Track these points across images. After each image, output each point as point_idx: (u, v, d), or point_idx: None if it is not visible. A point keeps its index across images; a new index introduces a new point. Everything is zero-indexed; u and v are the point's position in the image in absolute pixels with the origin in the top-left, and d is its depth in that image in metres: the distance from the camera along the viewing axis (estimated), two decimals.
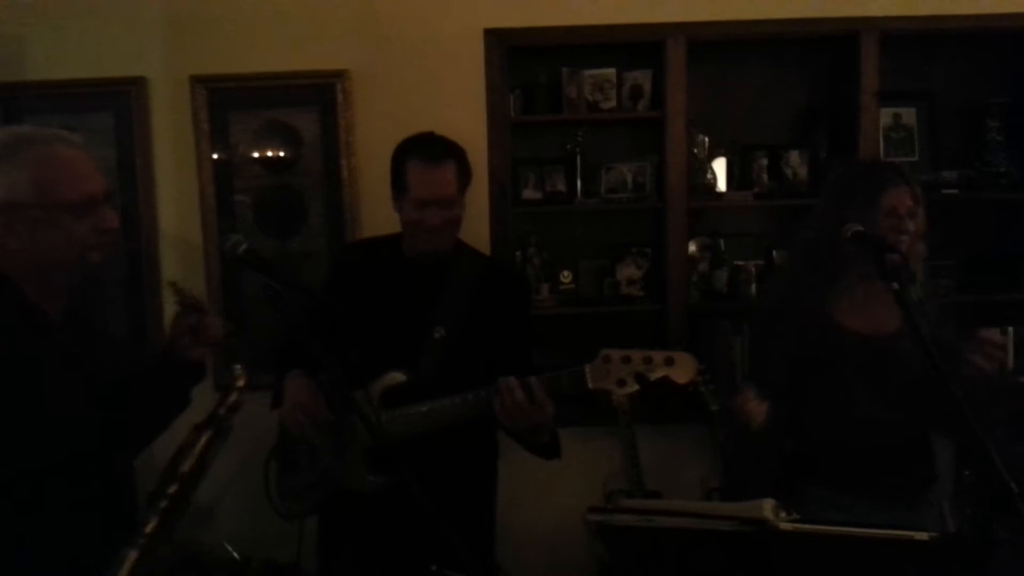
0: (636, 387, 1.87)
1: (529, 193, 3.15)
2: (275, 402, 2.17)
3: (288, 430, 2.09)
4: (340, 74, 2.97)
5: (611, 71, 3.09)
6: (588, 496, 3.02)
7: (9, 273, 1.47)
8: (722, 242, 3.21)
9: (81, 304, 1.63)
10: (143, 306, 3.03)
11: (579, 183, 3.15)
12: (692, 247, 3.15)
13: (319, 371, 2.01)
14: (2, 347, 1.45)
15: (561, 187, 3.15)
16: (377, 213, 2.86)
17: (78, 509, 1.50)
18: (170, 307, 2.90)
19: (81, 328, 1.60)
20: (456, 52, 2.98)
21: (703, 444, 2.97)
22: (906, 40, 3.05)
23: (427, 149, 2.12)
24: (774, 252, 3.17)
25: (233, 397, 1.57)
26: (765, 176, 3.13)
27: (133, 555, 1.41)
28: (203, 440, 1.53)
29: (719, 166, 3.17)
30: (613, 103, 3.10)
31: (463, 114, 2.97)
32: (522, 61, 3.07)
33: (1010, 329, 3.02)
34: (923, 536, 1.35)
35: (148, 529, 1.43)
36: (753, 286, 3.10)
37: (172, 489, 1.47)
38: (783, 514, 1.43)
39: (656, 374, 1.85)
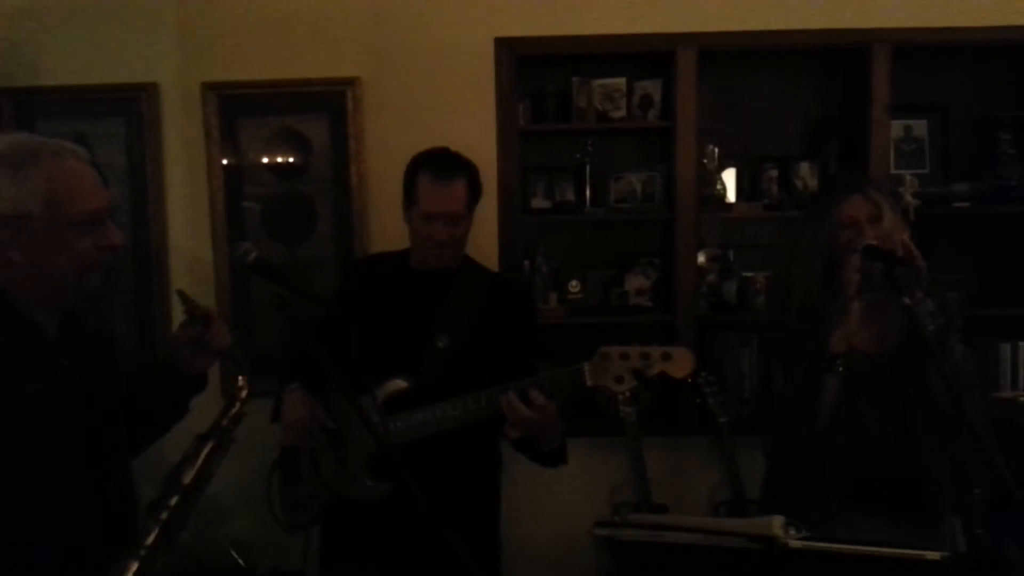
0: (634, 383, 1.87)
1: (538, 202, 3.14)
2: (274, 416, 2.18)
3: (289, 440, 2.09)
4: (351, 82, 2.98)
5: (621, 80, 3.09)
6: (594, 508, 3.00)
7: (5, 285, 1.44)
8: (731, 253, 3.20)
9: (79, 316, 1.59)
10: (152, 313, 3.03)
11: (588, 192, 3.14)
12: (701, 258, 3.14)
13: (324, 379, 2.01)
14: None
15: (570, 196, 3.15)
16: (386, 221, 2.87)
17: (76, 520, 1.48)
18: (179, 314, 2.94)
19: (77, 341, 1.56)
20: (467, 61, 2.99)
21: (711, 457, 2.96)
22: (918, 52, 3.03)
23: (439, 164, 2.13)
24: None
25: (236, 408, 1.56)
26: (775, 187, 3.11)
27: (133, 566, 1.39)
28: (205, 451, 1.52)
29: (729, 177, 3.16)
30: (623, 112, 3.09)
31: (473, 122, 2.98)
32: (532, 70, 3.07)
33: (1021, 344, 3.02)
34: (935, 555, 1.33)
35: (148, 540, 1.42)
36: (762, 298, 3.09)
37: (173, 500, 1.46)
38: (792, 531, 1.41)
39: (654, 370, 1.86)
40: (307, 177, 3.05)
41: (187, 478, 1.48)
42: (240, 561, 2.82)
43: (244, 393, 1.57)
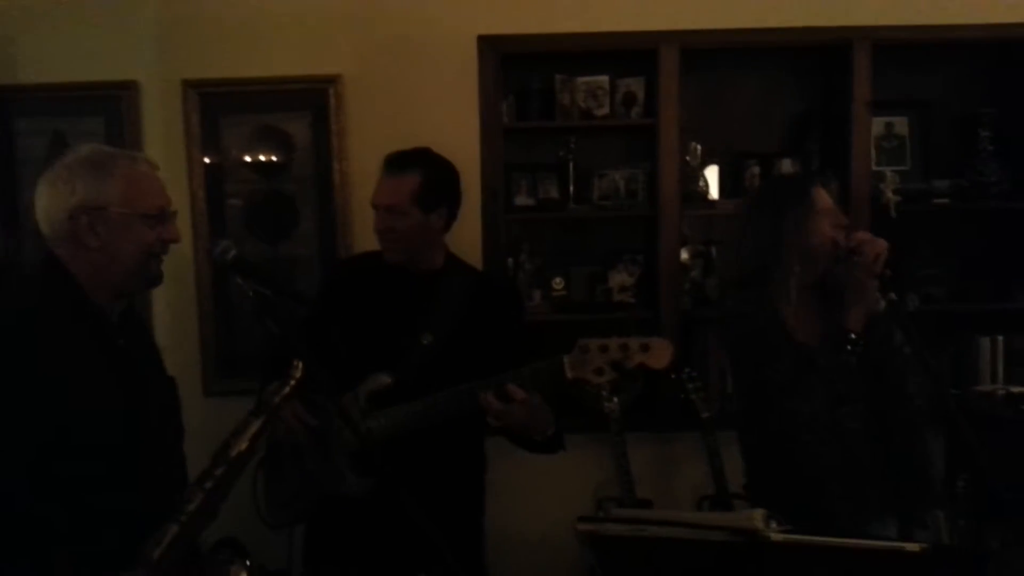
0: (614, 375, 1.87)
1: (522, 199, 3.14)
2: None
3: (273, 437, 2.08)
4: (333, 79, 2.96)
5: (604, 78, 3.09)
6: (578, 504, 3.01)
7: (77, 272, 1.61)
8: (714, 250, 3.21)
9: (133, 307, 1.79)
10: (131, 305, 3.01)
11: (572, 190, 3.14)
12: (684, 254, 3.14)
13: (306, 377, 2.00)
14: (53, 337, 1.55)
15: (554, 194, 3.15)
16: (368, 219, 2.80)
17: (130, 488, 1.58)
18: (161, 311, 2.92)
19: (131, 326, 1.74)
20: (450, 58, 2.98)
21: (694, 452, 2.96)
22: (898, 50, 3.05)
23: (393, 158, 2.17)
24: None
25: (287, 389, 1.62)
26: (757, 184, 3.12)
27: (174, 529, 1.48)
28: (254, 427, 1.59)
29: (711, 174, 3.17)
30: (606, 110, 3.10)
31: (456, 120, 2.97)
32: (515, 68, 3.07)
33: (1000, 339, 3.05)
34: (915, 547, 1.34)
35: (191, 507, 1.50)
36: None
37: (219, 471, 1.54)
38: (774, 524, 1.42)
39: (633, 361, 1.86)
40: (289, 175, 3.03)
41: (234, 451, 1.56)
42: None
43: (298, 374, 1.62)
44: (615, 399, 2.86)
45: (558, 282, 3.17)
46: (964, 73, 3.22)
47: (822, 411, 2.03)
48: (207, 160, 3.00)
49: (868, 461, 2.05)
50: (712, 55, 3.09)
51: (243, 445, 1.57)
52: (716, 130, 3.18)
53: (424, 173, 2.13)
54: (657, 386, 3.00)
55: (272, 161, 3.03)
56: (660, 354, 1.85)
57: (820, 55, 3.15)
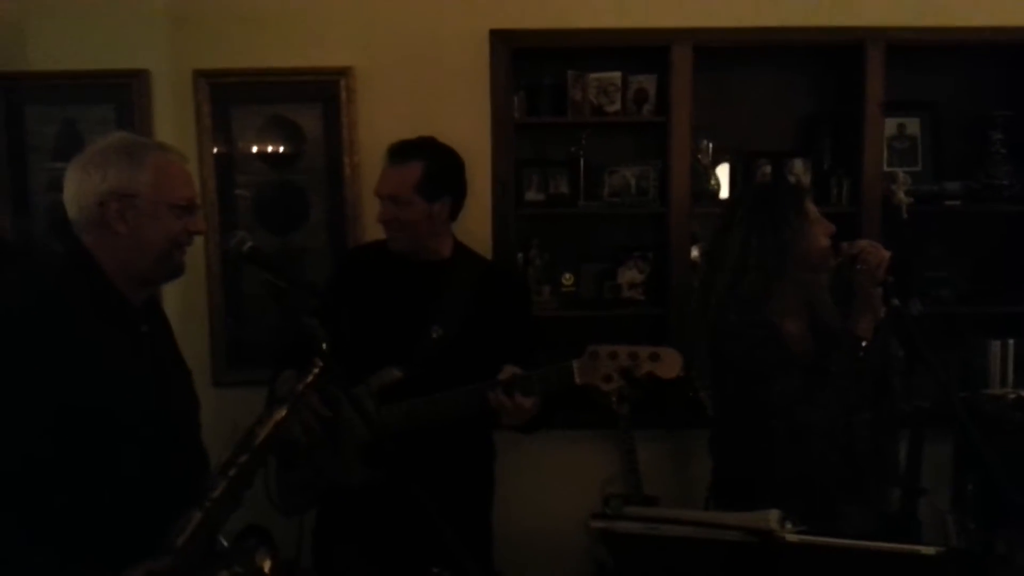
0: (622, 383, 1.88)
1: (532, 195, 3.13)
2: (269, 406, 2.16)
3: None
4: (344, 71, 2.96)
5: (616, 75, 3.08)
6: (585, 499, 3.01)
7: (101, 258, 1.62)
8: (709, 256, 3.20)
9: (156, 297, 1.83)
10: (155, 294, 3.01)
11: (582, 186, 3.13)
12: (694, 252, 3.14)
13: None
14: (75, 317, 1.57)
15: (564, 189, 3.14)
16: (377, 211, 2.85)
17: (151, 472, 1.59)
18: (169, 294, 2.92)
19: (153, 314, 1.76)
20: (462, 52, 2.97)
21: (701, 449, 2.95)
22: (911, 51, 3.04)
23: (397, 147, 2.19)
24: None
25: (311, 377, 1.63)
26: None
27: (198, 516, 1.50)
28: (279, 415, 1.60)
29: (723, 172, 3.16)
30: (618, 107, 3.09)
31: (467, 114, 2.96)
32: (527, 63, 3.06)
33: (1011, 342, 3.04)
34: (930, 551, 1.34)
35: (215, 494, 1.52)
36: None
37: (243, 459, 1.55)
38: (789, 525, 1.42)
39: (642, 370, 1.87)
40: (299, 166, 3.03)
41: (258, 439, 1.57)
42: None
43: (324, 361, 1.63)
44: (625, 405, 2.86)
45: (567, 278, 3.16)
46: (977, 75, 3.21)
47: (836, 419, 2.03)
48: (217, 150, 3.00)
49: (872, 468, 2.06)
50: (725, 53, 3.08)
51: (266, 433, 1.58)
52: (728, 128, 3.17)
53: (427, 162, 2.14)
54: (665, 385, 2.99)
55: (282, 152, 3.03)
56: (670, 364, 1.86)
57: (833, 55, 3.14)
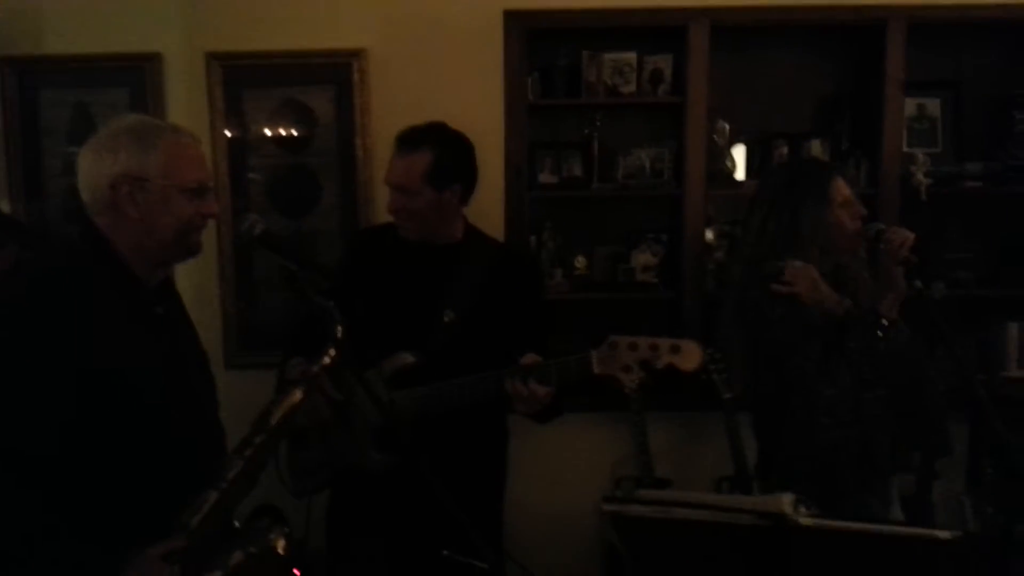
0: (642, 374, 1.87)
1: (545, 177, 3.11)
2: (278, 389, 2.16)
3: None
4: (357, 53, 2.94)
5: (632, 55, 3.04)
6: (596, 481, 3.01)
7: (115, 240, 1.62)
8: (740, 230, 3.16)
9: (171, 279, 1.82)
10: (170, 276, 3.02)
11: (596, 168, 3.10)
12: (709, 235, 3.11)
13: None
14: (89, 297, 1.56)
15: (578, 172, 3.11)
16: None
17: (167, 454, 1.59)
18: (181, 277, 2.92)
19: (168, 296, 1.76)
20: (475, 33, 2.95)
21: (714, 432, 2.94)
22: (932, 29, 2.99)
23: (405, 136, 2.15)
24: None
25: (326, 359, 1.62)
26: (775, 167, 3.06)
27: (214, 496, 1.50)
28: (294, 397, 1.60)
29: (739, 153, 3.12)
30: (633, 87, 3.05)
31: (480, 96, 2.95)
32: (541, 43, 3.03)
33: None
34: (945, 535, 1.32)
35: (230, 475, 1.52)
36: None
37: (259, 439, 1.55)
38: (802, 508, 1.40)
39: (662, 362, 1.86)
40: (312, 149, 3.02)
41: (274, 420, 1.57)
42: None
43: (340, 341, 1.63)
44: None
45: (580, 261, 3.14)
46: (999, 54, 3.15)
47: (846, 394, 2.02)
48: (229, 133, 2.99)
49: (884, 447, 2.04)
50: (742, 33, 3.04)
51: (282, 414, 1.58)
52: (744, 109, 3.13)
53: (436, 151, 2.11)
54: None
55: (294, 135, 3.02)
56: (690, 356, 1.85)
57: (852, 34, 3.09)
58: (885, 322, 1.97)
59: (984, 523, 2.32)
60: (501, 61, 2.95)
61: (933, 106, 3.17)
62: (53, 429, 1.48)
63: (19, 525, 1.46)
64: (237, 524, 1.60)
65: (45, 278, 1.59)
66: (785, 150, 3.08)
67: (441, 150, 2.12)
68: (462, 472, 1.87)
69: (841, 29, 3.07)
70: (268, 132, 3.01)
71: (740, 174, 3.12)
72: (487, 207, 2.84)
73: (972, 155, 3.08)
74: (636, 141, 3.12)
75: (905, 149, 3.01)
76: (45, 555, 1.46)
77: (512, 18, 2.93)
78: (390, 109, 2.92)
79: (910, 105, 3.08)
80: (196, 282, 2.97)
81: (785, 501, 1.40)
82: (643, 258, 3.11)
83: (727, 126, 3.07)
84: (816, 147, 3.06)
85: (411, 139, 2.14)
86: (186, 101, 2.98)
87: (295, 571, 1.66)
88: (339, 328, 1.60)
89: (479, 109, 2.89)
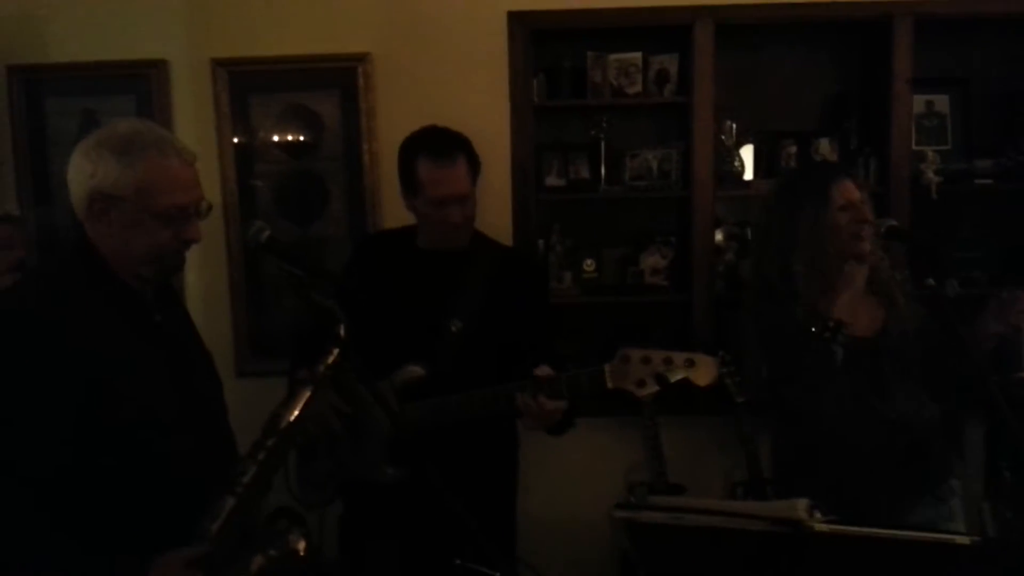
0: (656, 388, 1.85)
1: (552, 180, 3.10)
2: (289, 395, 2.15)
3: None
4: (361, 57, 2.93)
5: (637, 55, 3.03)
6: (609, 487, 3.00)
7: (102, 249, 1.58)
8: (749, 231, 3.15)
9: (171, 285, 1.79)
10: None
11: (603, 170, 3.09)
12: (718, 236, 3.09)
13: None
14: (87, 315, 1.53)
15: (585, 174, 3.10)
16: (398, 199, 2.78)
17: (175, 461, 1.57)
18: (191, 285, 2.91)
19: (168, 304, 1.72)
20: (479, 35, 2.93)
21: (728, 437, 2.92)
22: (940, 25, 2.96)
23: (435, 147, 2.09)
24: None
25: (333, 357, 1.60)
26: (794, 164, 3.05)
27: (231, 503, 1.48)
28: (304, 396, 1.57)
29: (747, 153, 3.10)
30: (639, 88, 3.04)
31: (485, 98, 2.93)
32: (546, 44, 3.02)
33: None
34: (965, 539, 1.30)
35: (246, 479, 1.50)
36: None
37: (271, 442, 1.53)
38: (817, 514, 1.38)
39: (676, 376, 1.84)
40: (318, 155, 3.01)
41: (285, 421, 1.55)
42: None
43: (342, 339, 1.60)
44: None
45: (589, 264, 3.13)
46: (1008, 50, 3.12)
47: (859, 402, 2.00)
48: (236, 140, 2.99)
49: (902, 453, 2.02)
50: (748, 31, 3.02)
51: (292, 416, 1.56)
52: (751, 109, 3.11)
53: (465, 149, 2.10)
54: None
55: (301, 141, 3.01)
56: (705, 371, 1.84)
57: (859, 31, 3.07)
58: (839, 326, 1.94)
59: (1003, 527, 2.29)
60: (506, 63, 2.94)
61: (942, 103, 3.14)
62: (53, 441, 1.46)
63: (24, 542, 1.44)
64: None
65: (37, 287, 1.57)
66: (794, 149, 3.06)
67: (466, 146, 2.12)
68: (473, 480, 1.86)
69: (847, 26, 3.04)
70: (275, 138, 3.00)
71: (748, 174, 3.10)
72: (494, 211, 2.83)
73: (982, 152, 3.05)
74: (643, 142, 3.11)
75: (914, 147, 2.98)
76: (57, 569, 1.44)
77: (516, 19, 2.92)
78: (395, 113, 2.91)
79: (919, 102, 3.05)
80: (206, 290, 2.97)
81: (800, 507, 1.39)
82: (652, 260, 3.09)
83: (734, 126, 3.05)
84: (824, 146, 3.03)
85: (446, 147, 2.09)
86: (192, 108, 2.98)
87: None
88: (341, 327, 1.57)
89: (485, 111, 2.88)
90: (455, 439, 1.96)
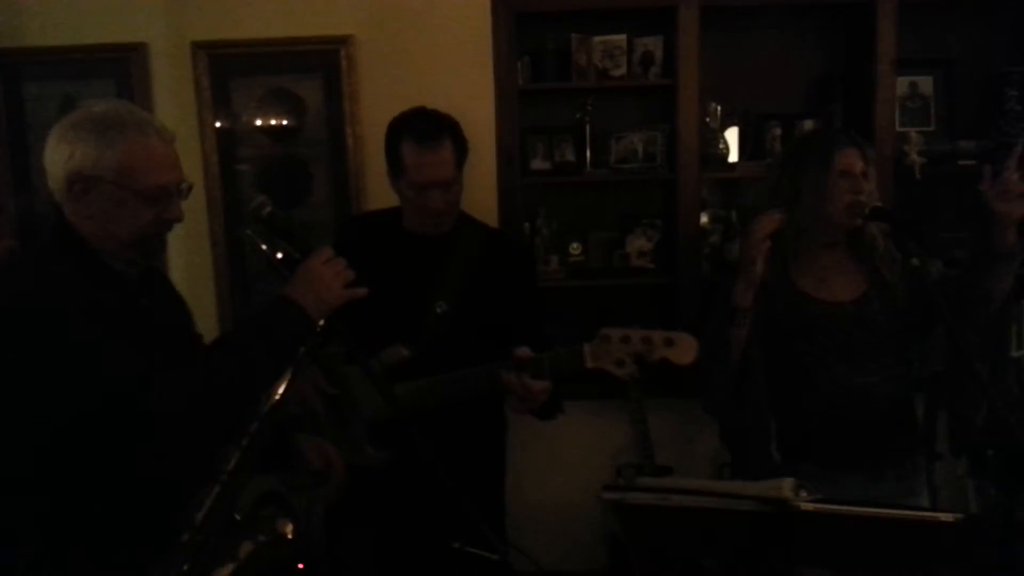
0: (635, 368, 1.85)
1: (537, 163, 3.09)
2: None
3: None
4: (344, 40, 2.91)
5: (622, 37, 3.01)
6: (597, 470, 3.01)
7: (83, 231, 1.55)
8: (735, 213, 3.16)
9: (159, 269, 1.77)
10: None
11: (588, 153, 3.09)
12: (704, 218, 3.10)
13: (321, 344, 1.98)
14: (73, 303, 1.49)
15: (570, 157, 3.09)
16: (382, 182, 2.76)
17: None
18: (175, 269, 2.89)
19: (155, 287, 1.70)
20: (463, 17, 2.91)
21: (714, 419, 2.94)
22: (924, 7, 2.97)
23: (421, 129, 2.06)
24: None
25: (313, 340, 1.60)
26: (779, 146, 3.06)
27: (216, 489, 1.49)
28: (283, 379, 1.57)
29: (732, 136, 3.10)
30: (623, 70, 3.03)
31: (469, 81, 2.92)
32: (530, 27, 3.00)
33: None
34: (948, 517, 1.32)
35: (230, 465, 1.50)
36: None
37: (253, 427, 1.53)
38: (803, 493, 1.39)
39: (655, 355, 1.84)
40: (301, 139, 2.99)
41: (266, 406, 1.55)
42: None
43: (322, 322, 1.61)
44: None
45: (575, 247, 3.13)
46: (991, 31, 3.13)
47: (821, 366, 2.01)
48: (218, 124, 2.96)
49: (890, 421, 2.02)
50: (732, 13, 3.01)
51: (273, 398, 1.55)
52: (736, 91, 3.11)
53: (452, 133, 2.07)
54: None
55: (284, 125, 2.99)
56: (685, 350, 1.83)
57: (843, 13, 3.07)
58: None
59: (987, 505, 2.31)
60: (490, 45, 2.92)
61: (925, 84, 3.15)
62: (44, 430, 1.45)
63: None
64: (238, 516, 1.58)
65: (34, 276, 1.53)
66: (779, 131, 3.07)
67: (453, 130, 2.08)
68: (461, 463, 1.84)
69: (832, 8, 3.05)
70: (257, 122, 2.98)
71: (733, 156, 3.10)
72: (480, 195, 2.82)
73: (966, 133, 3.06)
74: (628, 125, 3.10)
75: (898, 128, 2.99)
76: None
77: (500, 2, 2.90)
78: (379, 96, 2.89)
79: (902, 83, 3.06)
80: (191, 274, 2.95)
81: (786, 486, 1.40)
82: (638, 243, 3.09)
83: (719, 108, 3.05)
84: (809, 127, 3.04)
85: (431, 130, 2.05)
86: (173, 91, 2.95)
87: (299, 565, 1.65)
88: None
89: (469, 95, 2.87)
90: (442, 422, 1.95)
